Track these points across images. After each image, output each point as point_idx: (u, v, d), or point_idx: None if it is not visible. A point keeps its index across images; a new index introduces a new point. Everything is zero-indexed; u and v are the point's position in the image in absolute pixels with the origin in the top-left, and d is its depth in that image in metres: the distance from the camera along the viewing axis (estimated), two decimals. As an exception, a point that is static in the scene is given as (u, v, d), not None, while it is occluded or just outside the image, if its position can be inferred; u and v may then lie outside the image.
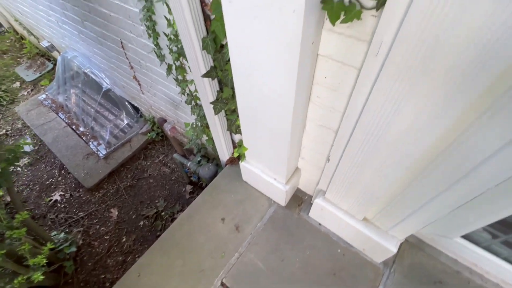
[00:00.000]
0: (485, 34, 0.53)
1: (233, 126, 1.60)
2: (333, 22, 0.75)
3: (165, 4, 1.26)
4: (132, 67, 2.30)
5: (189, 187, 2.78)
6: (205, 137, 2.11)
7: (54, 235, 2.32)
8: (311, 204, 1.74)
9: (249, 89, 1.09)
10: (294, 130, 1.15)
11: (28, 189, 2.90)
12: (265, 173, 1.62)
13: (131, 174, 2.96)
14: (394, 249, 1.31)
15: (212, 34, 1.13)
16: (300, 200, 1.80)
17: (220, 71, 1.30)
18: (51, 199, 2.76)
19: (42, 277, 1.51)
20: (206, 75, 1.30)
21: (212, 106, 1.48)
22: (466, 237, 1.32)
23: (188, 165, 2.34)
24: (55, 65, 4.26)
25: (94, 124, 3.25)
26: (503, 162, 0.73)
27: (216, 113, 1.50)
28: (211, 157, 2.63)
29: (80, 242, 2.46)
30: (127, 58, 2.21)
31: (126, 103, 3.14)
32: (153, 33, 1.57)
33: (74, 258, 2.34)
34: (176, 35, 1.41)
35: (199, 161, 2.53)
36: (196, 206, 1.83)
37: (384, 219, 1.31)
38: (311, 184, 1.68)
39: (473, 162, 0.78)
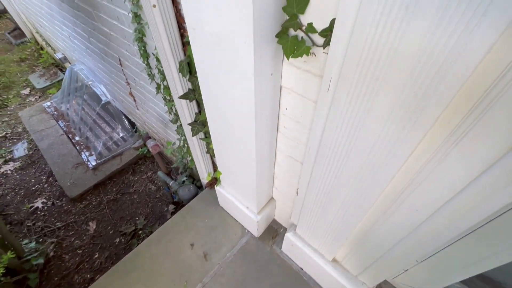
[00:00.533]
0: (420, 62, 0.51)
1: (210, 149, 1.59)
2: (287, 56, 0.76)
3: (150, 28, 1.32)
4: (128, 84, 2.37)
5: (171, 207, 2.71)
6: (189, 158, 2.10)
7: (26, 243, 2.26)
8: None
9: (216, 114, 1.09)
10: (259, 158, 1.12)
11: (13, 193, 2.88)
12: (238, 200, 1.57)
13: (116, 187, 2.93)
14: (363, 298, 1.20)
15: (187, 58, 1.16)
16: (274, 232, 1.72)
17: (198, 94, 1.32)
18: (32, 206, 2.73)
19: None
20: (183, 97, 1.32)
21: (189, 127, 1.48)
22: (441, 291, 1.21)
23: (170, 184, 2.30)
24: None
25: (89, 134, 3.30)
26: (473, 200, 0.66)
27: (193, 135, 1.50)
28: (196, 178, 2.60)
29: (51, 253, 2.37)
30: (124, 74, 2.29)
31: (123, 117, 3.20)
32: (144, 53, 1.63)
33: (41, 270, 2.24)
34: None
35: (183, 181, 2.50)
36: (167, 228, 1.77)
37: (353, 261, 1.22)
38: (286, 216, 1.61)
39: (438, 201, 0.73)
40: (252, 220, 1.53)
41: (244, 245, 1.66)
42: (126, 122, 3.22)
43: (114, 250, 2.44)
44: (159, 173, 2.45)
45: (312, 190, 1.05)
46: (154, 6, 0.98)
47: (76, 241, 2.49)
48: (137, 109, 2.67)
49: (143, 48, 1.59)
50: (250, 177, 1.24)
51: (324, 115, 0.79)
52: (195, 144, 1.62)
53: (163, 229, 1.76)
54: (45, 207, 2.75)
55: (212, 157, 1.80)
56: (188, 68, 1.16)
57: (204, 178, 1.93)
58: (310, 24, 0.70)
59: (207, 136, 1.58)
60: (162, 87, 1.76)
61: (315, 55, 0.75)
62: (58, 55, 4.01)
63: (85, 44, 2.67)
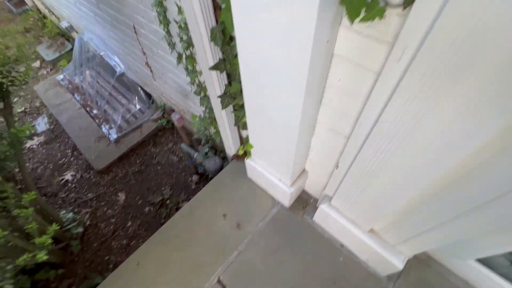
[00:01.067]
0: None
1: (240, 122, 1.54)
2: (352, 19, 0.66)
3: (175, -10, 1.19)
4: (144, 53, 2.26)
5: (195, 177, 2.77)
6: (213, 129, 2.07)
7: (63, 213, 2.39)
8: (316, 208, 1.67)
9: (256, 86, 1.02)
10: (301, 132, 1.07)
11: (42, 167, 2.99)
12: (270, 173, 1.56)
13: (140, 159, 2.99)
14: (400, 265, 1.23)
15: (221, 24, 1.05)
16: (305, 202, 1.73)
17: (229, 64, 1.23)
18: (63, 179, 2.85)
19: (45, 256, 1.55)
20: (214, 68, 1.23)
21: (219, 100, 1.42)
22: (481, 260, 1.22)
23: (195, 156, 2.32)
24: (74, 45, 4.31)
25: (107, 107, 3.28)
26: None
27: (223, 108, 1.44)
28: (218, 149, 2.60)
29: (87, 222, 2.53)
30: (139, 43, 2.17)
31: (139, 88, 3.14)
32: (164, 19, 1.51)
33: (80, 238, 2.41)
34: (186, 24, 1.34)
35: (206, 153, 2.51)
36: (198, 200, 1.81)
37: (392, 232, 1.23)
38: (318, 187, 1.61)
39: (502, 189, 0.68)
40: (285, 192, 1.53)
41: (275, 215, 1.70)
42: (142, 94, 3.16)
43: (145, 218, 2.57)
44: (182, 145, 2.46)
45: (358, 165, 1.01)
46: (186, -37, 0.85)
47: (108, 211, 2.63)
48: (154, 80, 2.58)
49: (163, 13, 1.47)
50: (288, 151, 1.20)
51: (389, 88, 0.71)
52: (223, 117, 1.57)
53: (194, 201, 1.81)
54: (75, 179, 2.87)
55: (240, 129, 1.76)
56: (223, 36, 1.06)
57: (231, 150, 1.91)
58: (384, -21, 0.59)
59: (236, 109, 1.52)
60: (184, 56, 1.66)
61: (384, 18, 0.65)
62: (64, 24, 3.83)
63: (94, 10, 2.51)
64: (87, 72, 3.46)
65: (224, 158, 2.49)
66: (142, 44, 2.15)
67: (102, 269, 2.29)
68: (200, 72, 1.65)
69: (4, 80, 1.73)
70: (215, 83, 1.34)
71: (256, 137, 1.38)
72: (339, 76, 0.87)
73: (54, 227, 1.66)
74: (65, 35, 4.65)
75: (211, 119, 1.92)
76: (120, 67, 3.04)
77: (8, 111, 1.80)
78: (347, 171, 1.10)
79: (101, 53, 3.07)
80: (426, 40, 0.55)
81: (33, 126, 3.40)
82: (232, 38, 1.10)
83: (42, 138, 3.25)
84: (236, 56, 1.13)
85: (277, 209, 1.72)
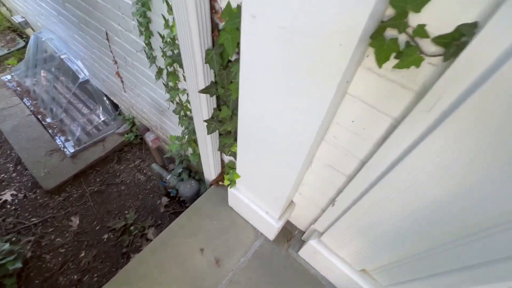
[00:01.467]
0: None
1: (227, 149, 1.42)
2: (380, 64, 0.60)
3: (165, 2, 1.06)
4: (116, 62, 2.03)
5: (165, 200, 2.52)
6: (190, 150, 1.90)
7: (-3, 244, 1.97)
8: (302, 241, 1.59)
9: (254, 120, 0.92)
10: (301, 170, 0.99)
11: (-27, 184, 2.48)
12: (257, 205, 1.44)
13: (100, 178, 2.65)
14: (392, 309, 1.18)
15: (219, 47, 0.94)
16: (289, 234, 1.64)
17: (222, 88, 1.12)
18: (0, 199, 2.38)
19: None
20: (205, 91, 1.11)
21: (205, 124, 1.28)
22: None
23: (168, 178, 2.10)
24: (27, 43, 3.81)
25: (64, 116, 2.89)
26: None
27: (209, 133, 1.30)
28: (193, 170, 2.41)
29: (29, 254, 2.11)
30: (111, 51, 1.95)
31: (104, 98, 2.83)
32: (146, 31, 1.35)
33: (18, 273, 1.99)
34: (173, 39, 1.21)
35: (179, 173, 2.30)
36: (171, 231, 1.61)
37: (385, 274, 1.18)
38: (304, 220, 1.53)
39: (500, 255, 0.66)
40: (272, 226, 1.42)
41: (258, 249, 1.57)
42: (108, 104, 2.86)
43: (103, 247, 2.24)
44: (153, 165, 2.22)
45: (360, 208, 0.95)
46: (187, -23, 0.74)
47: (57, 239, 2.24)
48: (124, 91, 2.34)
49: (145, 24, 1.31)
50: (283, 186, 1.11)
51: (412, 137, 0.66)
52: (207, 142, 1.43)
53: (167, 232, 1.60)
54: (16, 200, 2.42)
55: (224, 154, 1.63)
56: (220, 59, 0.95)
57: (211, 175, 1.76)
58: (421, 27, 0.54)
59: (222, 134, 1.39)
60: (165, 72, 1.50)
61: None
62: (17, 19, 3.38)
63: (57, 9, 2.22)
64: (43, 74, 3.05)
65: (200, 181, 2.31)
66: (114, 53, 1.94)
67: (44, 312, 1.91)
68: (183, 91, 1.50)
69: None
70: (203, 106, 1.21)
71: (246, 169, 1.27)
72: (351, 117, 0.81)
73: (-17, 268, 1.32)
74: (17, 30, 4.12)
75: (190, 141, 1.76)
76: (83, 73, 2.73)
77: None
78: (345, 211, 1.04)
79: (62, 56, 2.73)
80: (474, 93, 0.50)
81: (-35, 133, 2.84)
82: (229, 62, 1.00)
83: (-24, 149, 2.73)
84: (232, 81, 1.03)
85: (260, 242, 1.60)
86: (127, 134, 2.84)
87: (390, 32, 0.59)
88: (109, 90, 2.66)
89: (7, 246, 1.95)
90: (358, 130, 0.84)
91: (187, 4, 0.82)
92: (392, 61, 0.61)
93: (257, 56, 0.71)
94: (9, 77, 3.28)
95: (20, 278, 1.99)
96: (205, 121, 1.27)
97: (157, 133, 2.51)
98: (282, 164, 0.98)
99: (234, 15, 0.82)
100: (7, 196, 2.41)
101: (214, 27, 0.95)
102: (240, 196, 1.47)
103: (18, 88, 3.19)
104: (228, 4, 0.83)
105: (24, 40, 3.92)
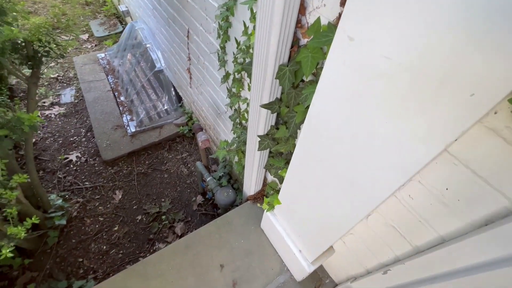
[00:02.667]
0: None
1: (273, 170, 1.31)
2: (521, 129, 0.43)
3: (249, 9, 1.03)
4: (189, 59, 2.13)
5: (199, 198, 2.53)
6: (236, 158, 1.85)
7: (53, 198, 2.20)
8: (332, 294, 1.38)
9: (322, 158, 0.79)
10: (358, 222, 0.82)
11: (51, 139, 2.87)
12: (291, 239, 1.29)
13: (149, 161, 2.80)
14: None
15: (295, 64, 0.85)
16: (319, 280, 1.44)
17: (286, 107, 1.02)
18: (67, 158, 2.69)
19: (10, 254, 1.33)
20: (267, 106, 1.03)
21: (258, 139, 1.20)
22: None
23: (208, 180, 2.09)
24: (124, 29, 4.36)
25: (135, 97, 3.17)
26: None
27: (259, 149, 1.22)
28: (233, 177, 2.37)
29: (74, 214, 2.32)
30: (188, 48, 2.04)
31: (172, 89, 3.02)
32: (224, 35, 1.35)
33: (61, 229, 2.19)
34: (248, 48, 1.17)
35: (220, 177, 2.28)
36: (198, 236, 1.56)
37: None
38: (340, 272, 1.32)
39: None
40: (302, 268, 1.26)
41: (280, 286, 1.41)
42: (173, 94, 3.04)
43: (134, 227, 2.33)
44: (198, 163, 2.25)
45: (425, 294, 0.73)
46: (282, -14, 0.67)
47: (100, 207, 2.41)
48: (190, 87, 2.44)
49: (225, 28, 1.31)
50: (329, 234, 0.95)
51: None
52: (255, 157, 1.35)
53: (193, 236, 1.56)
54: (78, 162, 2.70)
55: (268, 173, 1.53)
56: (293, 78, 0.86)
57: (250, 190, 1.67)
58: None
59: (273, 154, 1.30)
60: (232, 77, 1.48)
61: None
62: (122, 7, 3.88)
63: (153, 4, 2.45)
64: (128, 57, 3.41)
65: (238, 190, 2.25)
66: (190, 50, 2.02)
67: (71, 271, 2.04)
68: (245, 99, 1.46)
69: (40, 49, 1.62)
70: (261, 121, 1.13)
71: (290, 199, 1.14)
72: (444, 182, 0.63)
73: (34, 219, 1.45)
74: (120, 17, 4.75)
75: (238, 150, 1.71)
76: (160, 63, 2.95)
77: (33, 81, 1.67)
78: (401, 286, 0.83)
79: (147, 45, 3.01)
80: None
81: (59, 94, 3.34)
82: (302, 81, 0.90)
83: (62, 110, 3.16)
84: (299, 103, 0.92)
85: (285, 278, 1.44)
86: (182, 126, 2.97)
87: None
88: (178, 82, 2.82)
89: (60, 201, 2.17)
90: (449, 201, 0.65)
91: (273, 13, 0.75)
92: (541, 130, 0.43)
93: (342, 87, 0.59)
94: (103, 55, 3.77)
95: (62, 232, 2.19)
96: (259, 136, 1.19)
97: (210, 133, 2.55)
98: (337, 212, 0.83)
99: (322, 33, 0.71)
100: (73, 156, 2.71)
101: (295, 42, 0.87)
102: (275, 224, 1.34)
103: (107, 66, 3.64)
104: (318, 20, 0.74)
105: (122, 26, 4.50)
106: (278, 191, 1.49)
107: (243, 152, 1.71)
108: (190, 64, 2.16)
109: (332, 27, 0.69)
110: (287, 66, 0.87)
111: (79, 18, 4.68)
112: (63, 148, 2.79)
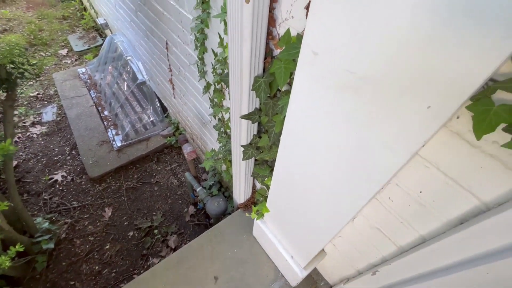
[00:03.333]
0: None
1: (260, 178, 1.31)
2: (479, 136, 0.44)
3: (222, 22, 1.03)
4: (170, 70, 2.12)
5: (191, 209, 2.51)
6: (224, 167, 1.84)
7: (39, 221, 2.13)
8: (327, 296, 1.38)
9: (302, 168, 0.80)
10: (344, 226, 0.83)
11: (35, 160, 2.79)
12: (282, 246, 1.30)
13: (138, 175, 2.76)
14: None
15: (269, 76, 0.86)
16: (313, 283, 1.45)
17: (266, 116, 1.03)
18: (52, 178, 2.62)
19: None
20: (247, 117, 1.03)
21: (242, 149, 1.20)
22: None
23: (198, 190, 2.07)
24: (104, 42, 4.30)
25: (119, 111, 3.12)
26: None
27: (244, 159, 1.22)
28: (224, 185, 2.36)
29: (63, 235, 2.25)
30: (168, 60, 2.03)
31: (156, 100, 2.99)
32: (201, 46, 1.35)
33: (50, 252, 2.13)
34: (225, 59, 1.17)
35: (210, 186, 2.27)
36: (190, 250, 1.54)
37: None
38: (334, 274, 1.33)
39: None
40: (295, 273, 1.26)
41: (276, 292, 1.41)
42: (158, 105, 3.01)
43: (126, 244, 2.28)
44: (187, 174, 2.23)
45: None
46: (248, 1, 0.68)
47: (89, 226, 2.35)
48: (174, 97, 2.43)
49: (201, 40, 1.31)
50: (317, 239, 0.96)
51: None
52: (241, 167, 1.35)
53: (185, 250, 1.54)
54: (64, 182, 2.63)
55: (256, 180, 1.53)
56: (268, 89, 0.86)
57: (240, 198, 1.67)
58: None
59: (259, 162, 1.30)
60: (213, 88, 1.48)
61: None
62: (100, 20, 3.82)
63: (131, 16, 2.43)
64: (110, 70, 3.36)
65: (229, 198, 2.24)
66: (171, 61, 2.01)
67: (63, 295, 1.99)
68: (227, 109, 1.46)
69: (14, 71, 1.57)
70: (243, 131, 1.13)
71: (277, 206, 1.14)
72: (418, 184, 0.64)
73: (18, 248, 1.41)
74: (99, 30, 4.68)
75: (225, 159, 1.70)
76: (142, 75, 2.92)
77: (9, 104, 1.62)
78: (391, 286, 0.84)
79: (128, 57, 2.97)
80: None
81: (40, 113, 3.25)
82: (278, 91, 0.91)
83: (44, 129, 3.08)
84: (277, 113, 0.93)
85: (280, 284, 1.44)
86: (170, 137, 2.94)
87: (502, 96, 0.43)
88: (162, 93, 2.80)
89: (46, 224, 2.11)
90: (425, 202, 0.66)
91: (242, 27, 0.76)
92: (498, 134, 0.45)
93: (312, 98, 0.60)
94: (83, 70, 3.70)
95: (51, 256, 2.13)
96: (242, 146, 1.19)
97: (197, 142, 2.53)
98: (322, 218, 0.84)
99: (292, 45, 0.72)
100: (58, 176, 2.64)
101: (268, 53, 0.88)
102: (266, 231, 1.34)
103: (88, 80, 3.57)
104: (287, 32, 0.75)
105: (102, 39, 4.43)
106: (266, 198, 1.50)
107: (230, 161, 1.70)
108: (171, 75, 2.15)
109: (301, 38, 0.70)
110: (262, 77, 0.87)
111: (57, 33, 4.58)
112: (48, 168, 2.72)
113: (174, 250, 2.26)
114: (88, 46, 4.28)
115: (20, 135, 2.95)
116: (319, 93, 0.57)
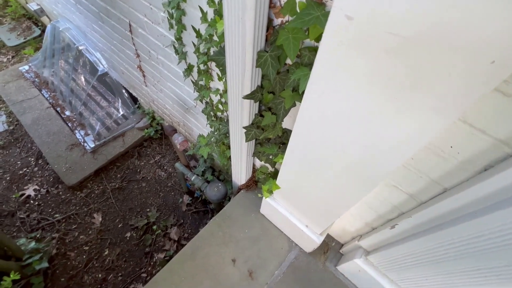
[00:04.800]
0: None
1: (264, 157, 1.29)
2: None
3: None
4: (138, 56, 1.91)
5: (186, 198, 2.45)
6: (217, 151, 1.79)
7: (23, 242, 1.95)
8: (340, 254, 1.48)
9: (325, 141, 0.78)
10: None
11: (-4, 178, 2.47)
12: (296, 217, 1.33)
13: (121, 174, 2.59)
14: None
15: (276, 49, 0.80)
16: (326, 246, 1.53)
17: (269, 93, 0.98)
18: (23, 194, 2.36)
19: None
20: (249, 96, 0.97)
21: (244, 131, 1.15)
22: None
23: (192, 179, 2.01)
24: (43, 31, 3.73)
25: (83, 109, 2.82)
26: None
27: (247, 140, 1.18)
28: (216, 169, 2.31)
29: (54, 251, 2.10)
30: (133, 44, 1.82)
31: (123, 90, 2.73)
32: (178, 24, 1.21)
33: (45, 271, 1.98)
34: (211, 36, 1.06)
35: (203, 173, 2.21)
36: (201, 239, 1.53)
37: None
38: (345, 233, 1.41)
39: None
40: (311, 240, 1.31)
41: (293, 261, 1.47)
42: (127, 96, 2.76)
43: (126, 246, 2.20)
44: (177, 164, 2.13)
45: (440, 243, 0.81)
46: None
47: (81, 236, 2.21)
48: (146, 85, 2.23)
49: (178, 18, 1.17)
50: (337, 208, 0.98)
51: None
52: (242, 147, 1.31)
53: (197, 240, 1.52)
54: (39, 195, 2.40)
55: (258, 159, 1.51)
56: (277, 64, 0.81)
57: (240, 179, 1.64)
58: None
59: (262, 142, 1.27)
60: (196, 70, 1.37)
61: None
62: (33, 6, 3.27)
63: (76, -3, 2.09)
64: (61, 65, 2.96)
65: (225, 181, 2.21)
66: (137, 46, 1.80)
67: (70, 310, 1.90)
68: (216, 91, 1.37)
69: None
70: (245, 112, 1.07)
71: (291, 182, 1.14)
72: (448, 139, 0.66)
73: (13, 276, 1.28)
74: (32, 18, 4.03)
75: (220, 144, 1.64)
76: (102, 66, 2.62)
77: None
78: (411, 239, 0.91)
79: (80, 47, 2.62)
80: None
81: (-13, 125, 2.82)
82: (285, 65, 0.85)
83: (-2, 141, 2.71)
84: (285, 89, 0.89)
85: (295, 253, 1.50)
86: (147, 128, 2.75)
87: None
88: (128, 83, 2.55)
89: (32, 244, 1.93)
90: (448, 154, 0.69)
91: (244, -3, 0.67)
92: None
93: (343, 68, 0.56)
94: (26, 67, 3.22)
95: (46, 276, 1.99)
96: (244, 127, 1.14)
97: (180, 130, 2.41)
98: (343, 190, 0.85)
99: (303, 11, 0.66)
100: (30, 191, 2.39)
101: (269, 24, 0.80)
102: (277, 207, 1.36)
103: (36, 79, 3.13)
104: (293, -3, 0.68)
105: (39, 28, 3.83)
106: (270, 175, 1.50)
107: (225, 144, 1.65)
108: (140, 61, 1.95)
109: (313, 4, 0.64)
110: (267, 52, 0.81)
111: (-21, 27, 3.86)
112: (14, 185, 2.44)
113: (178, 241, 2.24)
114: (24, 38, 3.69)
115: (-31, 153, 2.57)
116: (353, 60, 0.53)
